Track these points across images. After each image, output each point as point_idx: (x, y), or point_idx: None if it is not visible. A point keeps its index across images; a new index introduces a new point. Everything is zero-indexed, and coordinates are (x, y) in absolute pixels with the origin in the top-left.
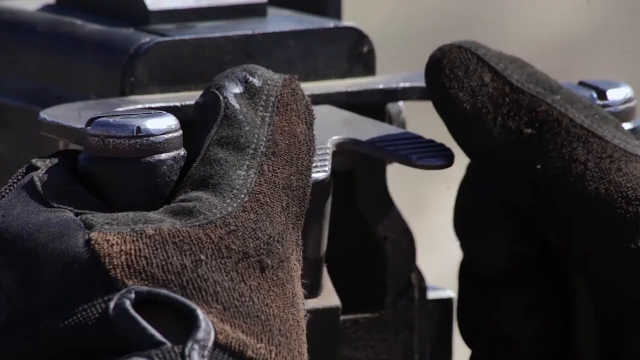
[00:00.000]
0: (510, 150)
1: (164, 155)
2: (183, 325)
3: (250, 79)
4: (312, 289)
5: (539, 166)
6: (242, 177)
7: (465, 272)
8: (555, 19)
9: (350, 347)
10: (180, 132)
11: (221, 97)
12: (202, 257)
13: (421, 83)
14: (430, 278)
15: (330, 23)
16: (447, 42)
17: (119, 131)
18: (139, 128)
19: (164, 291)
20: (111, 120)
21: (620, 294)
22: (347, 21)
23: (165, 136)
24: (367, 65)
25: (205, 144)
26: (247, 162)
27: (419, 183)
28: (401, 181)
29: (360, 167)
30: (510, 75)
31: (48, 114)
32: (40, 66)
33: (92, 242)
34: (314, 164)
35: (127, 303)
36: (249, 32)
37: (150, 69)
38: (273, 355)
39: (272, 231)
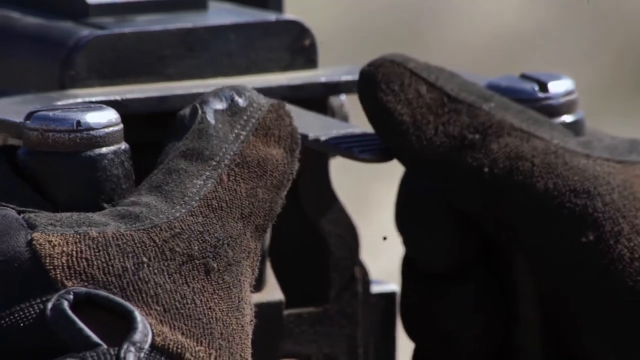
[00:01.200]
0: (454, 157)
1: (104, 149)
2: (121, 327)
3: (236, 98)
4: (256, 284)
5: (486, 169)
6: (198, 186)
7: (408, 269)
8: (497, 15)
9: (293, 342)
10: (121, 126)
11: (199, 111)
12: (144, 259)
13: None
14: (375, 274)
15: (271, 16)
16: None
17: (59, 125)
18: (78, 122)
19: (103, 292)
20: (51, 114)
21: (571, 289)
22: (289, 15)
23: (106, 130)
24: (309, 59)
25: (170, 154)
26: (207, 173)
27: (363, 180)
28: (346, 178)
29: (303, 161)
30: (444, 85)
31: None
32: None
33: (34, 242)
34: None
35: (65, 304)
36: (190, 25)
37: (90, 63)
38: (212, 359)
39: (221, 234)
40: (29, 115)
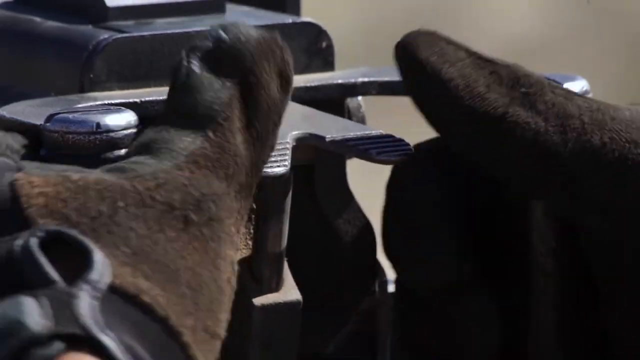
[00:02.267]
0: (509, 112)
1: (123, 151)
2: (82, 267)
3: (223, 36)
4: (274, 284)
5: (542, 124)
6: (186, 142)
7: (406, 292)
8: (509, 24)
9: (311, 341)
10: (140, 128)
11: (184, 61)
12: (121, 204)
13: (380, 78)
14: (389, 272)
15: (288, 19)
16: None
17: (79, 127)
18: (98, 124)
19: (72, 232)
20: (70, 116)
21: (626, 244)
22: (306, 17)
23: (125, 132)
24: (325, 61)
25: (163, 109)
26: (198, 133)
27: (378, 180)
28: (361, 178)
29: (320, 161)
30: (478, 51)
31: (7, 111)
32: (2, 65)
33: (17, 181)
34: (273, 159)
35: (34, 241)
36: (208, 28)
37: (109, 66)
38: (172, 304)
39: (207, 190)
40: (49, 118)
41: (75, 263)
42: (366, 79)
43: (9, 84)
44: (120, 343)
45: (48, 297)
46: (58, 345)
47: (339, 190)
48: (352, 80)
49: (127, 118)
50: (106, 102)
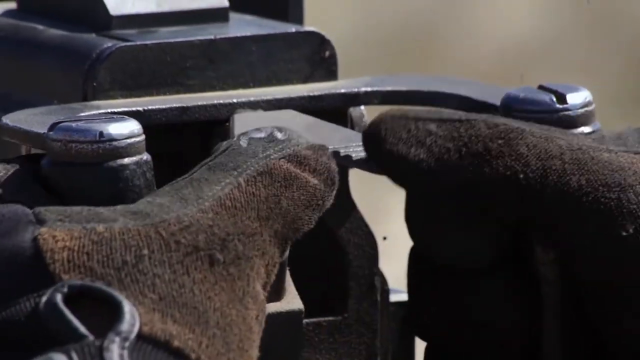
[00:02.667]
0: (485, 172)
1: (126, 160)
2: (111, 319)
3: (276, 132)
4: (275, 293)
5: (521, 175)
6: (215, 190)
7: (423, 266)
8: (510, 26)
9: (313, 351)
10: (143, 136)
11: (235, 138)
12: (146, 252)
13: (383, 87)
14: (391, 282)
15: (292, 28)
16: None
17: (82, 136)
18: (101, 133)
19: (97, 284)
20: (74, 125)
21: (615, 282)
22: (308, 26)
23: (128, 141)
24: (328, 70)
25: (197, 166)
26: (227, 180)
27: (380, 190)
28: (362, 188)
29: None
30: (451, 115)
31: (10, 119)
32: (1, 72)
33: (39, 237)
34: None
35: (58, 297)
36: (211, 37)
37: (113, 74)
38: (203, 347)
39: (232, 230)
40: (52, 126)
41: (103, 315)
42: (369, 89)
43: (11, 92)
44: None
45: (77, 352)
46: None
47: (341, 199)
48: (355, 90)
49: (131, 127)
50: (109, 110)
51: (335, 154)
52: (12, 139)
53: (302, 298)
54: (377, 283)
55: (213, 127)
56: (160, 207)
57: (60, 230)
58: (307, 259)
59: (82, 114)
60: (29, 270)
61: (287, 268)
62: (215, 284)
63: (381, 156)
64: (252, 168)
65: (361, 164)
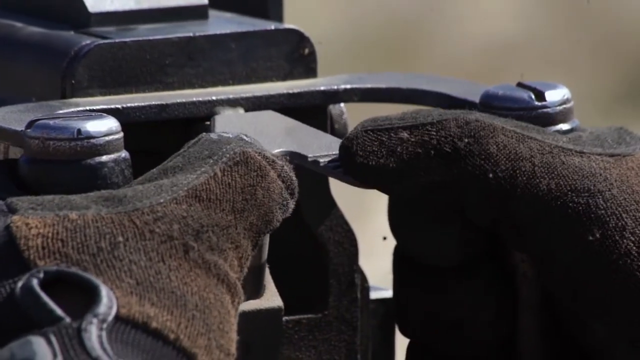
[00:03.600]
0: (454, 172)
1: (104, 158)
2: (88, 302)
3: (242, 135)
4: (255, 290)
5: (490, 175)
6: (189, 179)
7: (406, 265)
8: (494, 24)
9: (293, 348)
10: (121, 134)
11: (204, 134)
12: (120, 239)
13: (362, 85)
14: (371, 279)
15: (271, 25)
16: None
17: (59, 133)
18: (79, 130)
19: (73, 269)
20: (51, 122)
21: (581, 285)
22: (289, 24)
23: (106, 138)
24: (308, 67)
25: (170, 158)
26: (202, 169)
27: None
28: (343, 186)
29: (302, 169)
30: (424, 119)
31: None
32: None
33: (12, 225)
34: None
35: (34, 281)
36: (190, 34)
37: (91, 72)
38: (182, 327)
39: (206, 221)
40: (30, 124)
41: (80, 299)
42: (348, 86)
43: None
44: None
45: (56, 335)
46: None
47: (321, 197)
48: (335, 88)
49: (109, 124)
50: (88, 108)
51: (315, 163)
52: None
53: (281, 295)
54: (357, 280)
55: (192, 124)
56: (133, 193)
57: (33, 218)
58: (287, 257)
59: (60, 112)
60: (3, 257)
61: (267, 266)
62: (190, 271)
63: (355, 171)
64: (227, 155)
65: (339, 176)
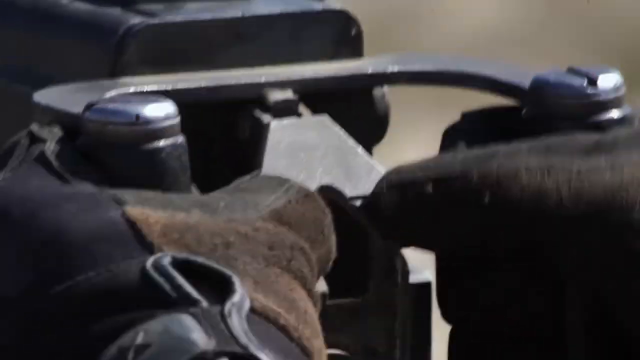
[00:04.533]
0: (482, 221)
1: (162, 142)
2: (218, 291)
3: None
4: None
5: (514, 218)
6: (270, 200)
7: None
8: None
9: (333, 332)
10: (179, 118)
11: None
12: (232, 239)
13: (410, 67)
14: (415, 263)
15: (318, 5)
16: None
17: (118, 118)
18: (137, 115)
19: (201, 259)
20: (110, 106)
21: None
22: (334, 4)
23: (164, 123)
24: (354, 49)
25: (235, 182)
26: (278, 194)
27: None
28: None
29: None
30: (447, 166)
31: (42, 97)
32: (23, 45)
33: (127, 212)
34: None
35: (166, 260)
36: (239, 14)
37: (141, 51)
38: (301, 328)
39: (293, 241)
40: (88, 107)
41: (209, 288)
42: (396, 69)
43: (32, 66)
44: None
45: (201, 316)
46: None
47: None
48: (382, 70)
49: (167, 109)
50: (139, 88)
51: (352, 207)
52: (45, 118)
53: (324, 279)
54: (397, 265)
55: (238, 105)
56: (224, 203)
57: (146, 208)
58: None
59: (115, 93)
60: (126, 238)
61: None
62: (292, 281)
63: (380, 228)
64: (296, 187)
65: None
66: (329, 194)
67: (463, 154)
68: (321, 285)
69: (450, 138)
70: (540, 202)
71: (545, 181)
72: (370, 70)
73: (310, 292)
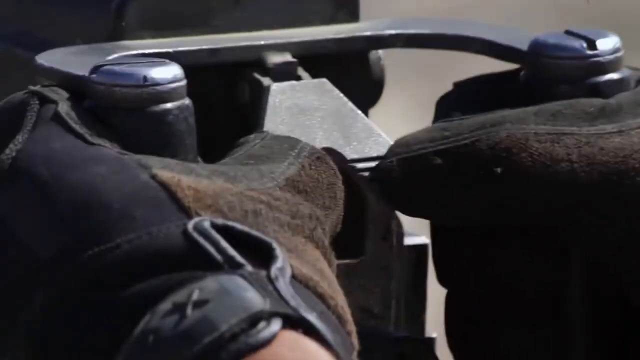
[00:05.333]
0: (494, 193)
1: (169, 105)
2: (259, 257)
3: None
4: None
5: (528, 187)
6: (282, 168)
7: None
8: None
9: None
10: (185, 81)
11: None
12: (260, 206)
13: (407, 30)
14: (407, 226)
15: None
16: None
17: (126, 80)
18: (145, 77)
19: (240, 225)
20: (117, 68)
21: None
22: None
23: (171, 85)
24: (351, 11)
25: (244, 147)
26: (290, 160)
27: (396, 132)
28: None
29: None
30: (454, 136)
31: (45, 60)
32: (22, 10)
33: (160, 175)
34: None
35: (207, 224)
36: None
37: (141, 14)
38: (336, 296)
39: (310, 211)
40: (95, 69)
41: (248, 252)
42: (393, 32)
43: (31, 29)
44: (323, 325)
45: (250, 279)
46: (277, 323)
47: None
48: (380, 33)
49: (174, 71)
50: (139, 51)
51: (353, 169)
52: (49, 80)
53: None
54: (393, 227)
55: (238, 69)
56: (242, 173)
57: (174, 173)
58: None
59: (121, 55)
60: (163, 201)
61: None
62: (315, 250)
63: (394, 203)
64: (307, 149)
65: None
66: (330, 156)
67: (469, 121)
68: None
69: (444, 108)
70: (551, 170)
71: (556, 148)
72: (367, 33)
73: (330, 262)
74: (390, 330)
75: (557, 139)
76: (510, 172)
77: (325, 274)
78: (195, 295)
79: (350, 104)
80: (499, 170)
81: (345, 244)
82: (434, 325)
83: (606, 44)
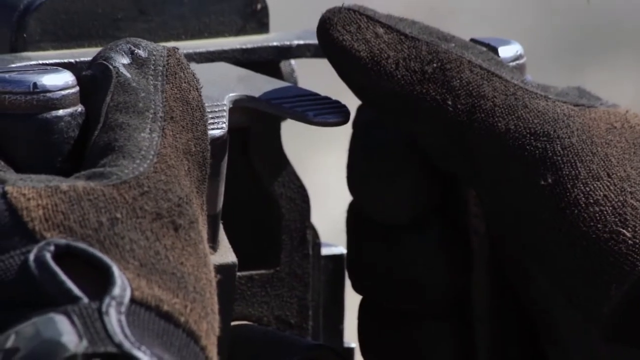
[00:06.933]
0: (416, 90)
1: (61, 112)
2: (100, 281)
3: (136, 50)
4: (210, 241)
5: (449, 102)
6: (147, 139)
7: (360, 222)
8: None
9: (245, 304)
10: (77, 88)
11: (111, 67)
12: (118, 215)
13: (314, 40)
14: (323, 235)
15: None
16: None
17: (15, 87)
18: (35, 84)
19: (82, 245)
20: (6, 76)
21: (526, 230)
22: None
23: (62, 92)
24: (260, 23)
25: (103, 110)
26: (149, 126)
27: (296, 145)
28: (294, 142)
29: (255, 124)
30: (402, 28)
31: None
32: None
33: (8, 195)
34: (210, 121)
35: (47, 255)
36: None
37: (43, 25)
38: (188, 310)
39: (180, 193)
40: None
41: (91, 277)
42: (301, 42)
43: None
44: (153, 356)
45: (78, 315)
46: None
47: (274, 152)
48: (288, 43)
49: (65, 78)
50: (40, 62)
51: (270, 105)
52: None
53: (234, 251)
54: (308, 236)
55: None
56: (110, 165)
57: (27, 188)
58: (239, 213)
59: (14, 65)
60: (6, 227)
61: (221, 222)
62: (183, 250)
63: (328, 43)
64: (160, 109)
65: (297, 115)
66: (243, 103)
67: (425, 28)
68: (231, 257)
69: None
70: (475, 100)
71: (484, 84)
72: (275, 43)
73: (204, 249)
74: (303, 339)
75: (488, 78)
76: (438, 80)
77: (184, 281)
78: (10, 342)
79: (256, 73)
80: (432, 67)
81: (260, 254)
82: (353, 335)
83: (508, 51)
